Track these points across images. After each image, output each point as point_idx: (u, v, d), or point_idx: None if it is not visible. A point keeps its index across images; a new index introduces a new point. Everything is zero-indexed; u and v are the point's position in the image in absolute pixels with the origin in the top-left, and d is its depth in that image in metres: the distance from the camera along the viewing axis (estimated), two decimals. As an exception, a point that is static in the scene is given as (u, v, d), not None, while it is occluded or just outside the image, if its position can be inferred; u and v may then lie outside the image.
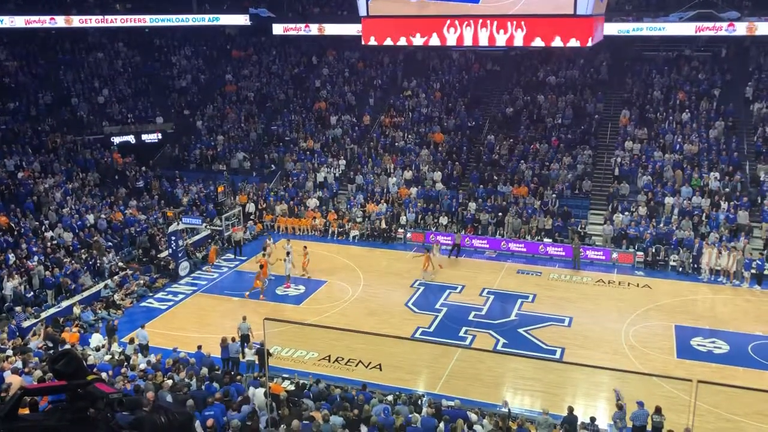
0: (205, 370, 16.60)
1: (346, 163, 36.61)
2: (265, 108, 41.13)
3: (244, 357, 18.76)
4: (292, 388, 16.48)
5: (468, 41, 20.38)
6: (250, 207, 33.74)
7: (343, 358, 19.82)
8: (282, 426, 13.26)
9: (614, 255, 28.60)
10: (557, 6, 19.18)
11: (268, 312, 22.86)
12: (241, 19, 39.86)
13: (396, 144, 36.97)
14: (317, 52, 43.63)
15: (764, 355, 20.22)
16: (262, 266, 25.05)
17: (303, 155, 37.26)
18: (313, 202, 33.85)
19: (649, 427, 15.04)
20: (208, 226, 30.98)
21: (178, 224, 28.41)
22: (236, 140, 39.02)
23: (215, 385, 15.71)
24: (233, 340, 18.93)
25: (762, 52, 36.65)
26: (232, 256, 29.42)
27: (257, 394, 15.02)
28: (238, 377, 16.77)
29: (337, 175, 36.12)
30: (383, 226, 31.47)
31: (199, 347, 18.35)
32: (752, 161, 31.86)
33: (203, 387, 15.55)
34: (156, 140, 39.36)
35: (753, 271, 26.01)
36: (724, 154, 32.09)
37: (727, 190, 30.39)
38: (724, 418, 15.58)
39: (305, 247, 27.03)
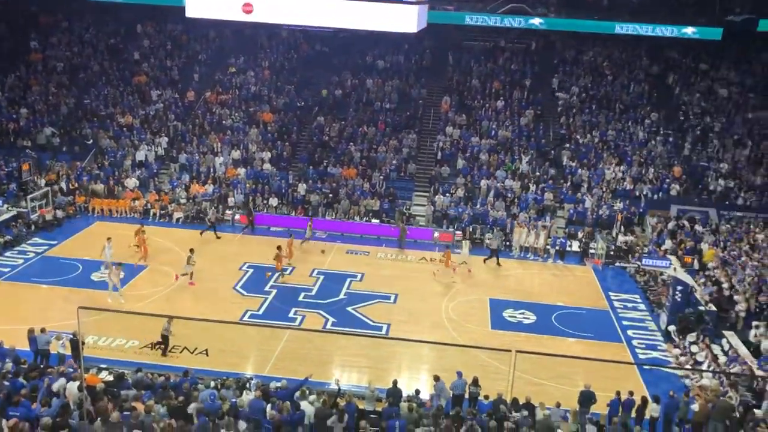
0: (9, 365, 15.11)
1: (168, 141, 34.88)
2: (77, 80, 37.94)
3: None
4: (110, 378, 15.53)
5: (293, 19, 20.21)
6: (61, 187, 31.03)
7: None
8: (98, 420, 12.45)
9: (436, 234, 30.06)
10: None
11: (83, 300, 21.32)
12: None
13: (223, 122, 35.87)
14: (136, 21, 40.92)
15: (565, 324, 22.38)
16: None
17: (120, 132, 34.92)
18: (132, 182, 31.91)
19: (466, 396, 16.07)
20: (10, 208, 28.12)
21: (-27, 205, 25.52)
22: (43, 114, 35.63)
23: (21, 380, 14.36)
24: (42, 330, 17.38)
25: (566, 46, 40.13)
26: (42, 241, 27.00)
27: (70, 388, 13.96)
28: (49, 370, 15.48)
29: (158, 153, 34.31)
30: (236, 218, 30.44)
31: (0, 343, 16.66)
32: (557, 146, 34.90)
33: (6, 383, 14.13)
34: (-55, 111, 34.86)
35: (557, 248, 28.64)
36: (533, 140, 34.87)
37: (537, 173, 33.09)
38: (532, 382, 17.03)
39: (279, 247, 24.98)
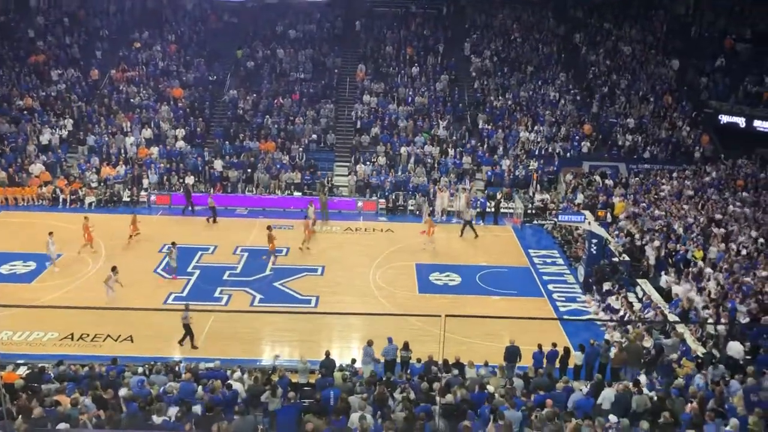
0: None
1: (73, 123, 33.20)
2: (-35, 61, 35.47)
3: None
4: (29, 373, 14.86)
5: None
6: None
7: (88, 335, 18.37)
8: (20, 417, 11.92)
9: (359, 204, 30.11)
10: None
11: (-8, 294, 20.23)
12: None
13: (131, 100, 34.43)
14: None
15: (489, 282, 23.00)
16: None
17: (21, 115, 32.94)
18: (37, 168, 30.24)
19: (398, 360, 16.33)
20: None
21: None
22: (-70, 99, 33.18)
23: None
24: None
25: (476, 11, 40.52)
26: None
27: (-14, 387, 13.29)
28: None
29: (63, 136, 32.64)
30: (152, 198, 29.10)
31: None
32: (472, 110, 35.42)
33: None
34: None
35: (477, 209, 29.24)
36: (449, 105, 35.23)
37: (454, 138, 33.53)
38: (460, 341, 17.43)
39: (270, 227, 24.26)
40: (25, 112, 33.11)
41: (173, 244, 22.71)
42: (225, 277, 22.77)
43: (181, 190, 29.64)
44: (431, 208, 29.04)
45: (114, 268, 20.26)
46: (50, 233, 22.72)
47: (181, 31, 38.50)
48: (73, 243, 24.45)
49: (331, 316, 19.75)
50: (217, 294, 21.54)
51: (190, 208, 28.84)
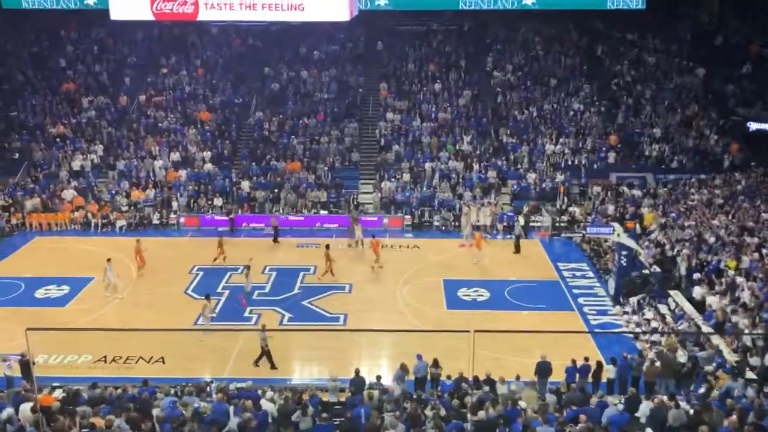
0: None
1: (104, 148, 33.89)
2: (0, 92, 36.42)
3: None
4: (64, 396, 15.08)
5: (224, 15, 19.95)
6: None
7: (121, 357, 18.60)
8: (57, 439, 12.12)
9: (385, 220, 30.18)
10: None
11: (27, 318, 20.56)
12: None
13: (159, 124, 35.05)
14: (59, 28, 39.46)
15: (518, 297, 22.82)
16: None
17: (53, 142, 33.75)
18: (69, 194, 30.87)
19: (428, 377, 16.24)
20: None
21: None
22: (-33, 129, 34.15)
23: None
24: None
25: (498, 25, 40.57)
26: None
27: (23, 410, 13.52)
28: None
29: (94, 161, 33.32)
30: (182, 221, 29.56)
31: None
32: (496, 124, 35.37)
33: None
34: None
35: (504, 223, 29.08)
36: (473, 120, 35.24)
37: (478, 152, 33.49)
38: (490, 357, 17.26)
39: (328, 246, 24.74)
40: (58, 139, 33.91)
41: (248, 267, 23.06)
42: (254, 297, 22.93)
43: (222, 213, 30.33)
44: (475, 224, 28.89)
45: (207, 296, 20.50)
46: (108, 260, 22.86)
47: (207, 56, 39.16)
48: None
49: (360, 334, 19.76)
50: (246, 313, 21.69)
51: (231, 230, 29.38)
